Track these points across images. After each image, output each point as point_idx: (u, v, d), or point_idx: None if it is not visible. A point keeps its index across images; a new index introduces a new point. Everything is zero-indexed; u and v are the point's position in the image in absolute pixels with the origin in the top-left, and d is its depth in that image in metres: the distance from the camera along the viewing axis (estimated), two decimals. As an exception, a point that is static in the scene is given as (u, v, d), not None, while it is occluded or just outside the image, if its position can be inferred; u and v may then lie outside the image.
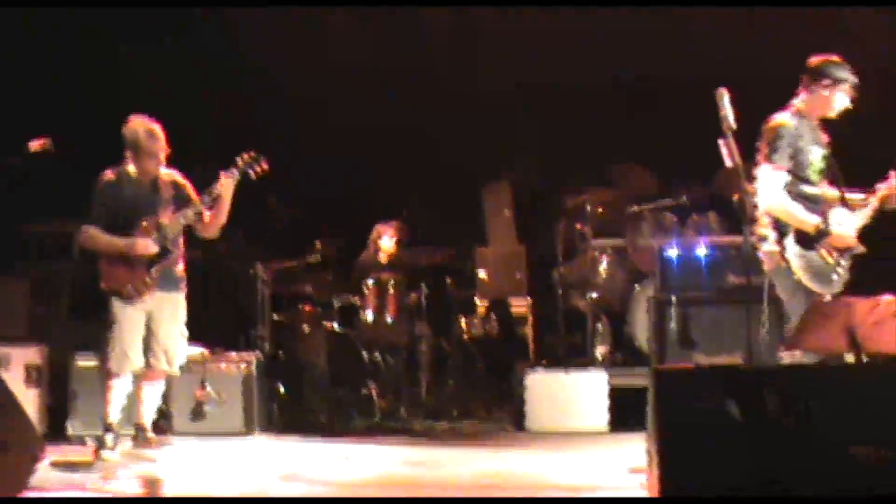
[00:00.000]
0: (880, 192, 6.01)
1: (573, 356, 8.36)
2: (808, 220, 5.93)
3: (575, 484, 5.87)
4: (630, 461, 6.02)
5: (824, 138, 6.11)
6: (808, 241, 5.93)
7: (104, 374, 6.65)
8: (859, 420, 4.42)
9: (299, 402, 8.05)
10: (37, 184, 7.95)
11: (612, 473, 6.03)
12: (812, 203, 6.00)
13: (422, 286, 8.53)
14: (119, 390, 6.64)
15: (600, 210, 8.77)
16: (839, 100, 6.05)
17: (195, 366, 7.45)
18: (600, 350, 8.24)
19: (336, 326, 8.36)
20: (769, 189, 5.96)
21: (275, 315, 8.40)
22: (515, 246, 9.87)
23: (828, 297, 5.87)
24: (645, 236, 8.54)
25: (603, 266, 8.67)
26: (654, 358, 7.75)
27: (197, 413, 7.46)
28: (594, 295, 8.49)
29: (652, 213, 8.55)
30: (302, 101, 9.32)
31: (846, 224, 5.97)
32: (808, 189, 6.02)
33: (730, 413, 4.46)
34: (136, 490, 5.83)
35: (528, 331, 8.72)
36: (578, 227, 8.75)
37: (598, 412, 7.57)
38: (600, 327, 8.29)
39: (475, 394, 8.52)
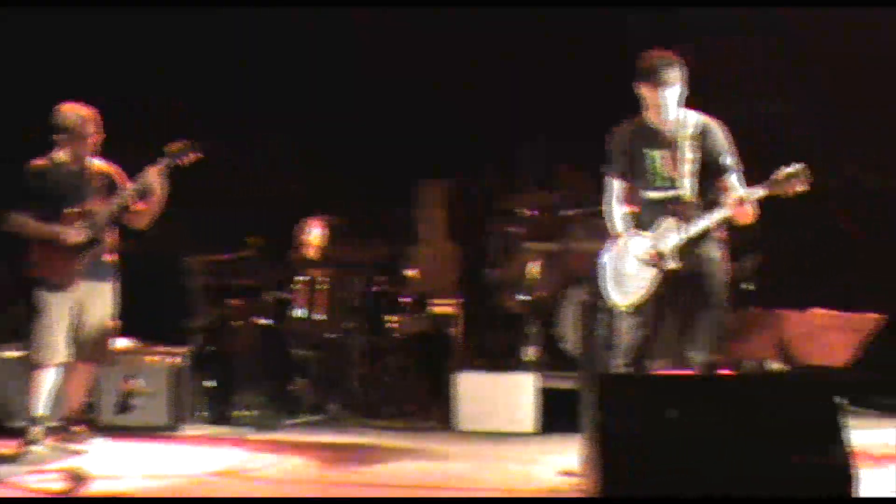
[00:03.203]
0: (726, 208, 5.82)
1: (503, 358, 8.40)
2: (617, 230, 5.96)
3: (505, 485, 5.90)
4: (560, 463, 6.07)
5: (671, 138, 5.92)
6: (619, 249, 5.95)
7: (30, 365, 6.55)
8: (792, 426, 4.53)
9: (229, 396, 7.99)
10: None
11: (542, 475, 6.07)
12: (653, 209, 5.93)
13: (353, 282, 8.50)
14: (46, 382, 6.54)
15: (534, 212, 8.81)
16: (666, 96, 5.88)
17: (124, 358, 7.37)
18: (530, 352, 8.28)
19: (266, 321, 8.32)
20: (603, 197, 5.98)
21: (206, 308, 8.34)
22: (448, 246, 9.88)
23: (622, 308, 5.85)
24: (578, 240, 8.60)
25: (535, 268, 8.71)
26: (583, 362, 7.80)
27: (125, 406, 7.38)
28: (525, 297, 8.54)
29: (586, 217, 8.61)
30: (234, 92, 9.26)
31: (666, 238, 5.86)
32: (648, 194, 5.97)
33: (669, 419, 4.54)
34: (62, 485, 5.75)
35: (459, 331, 8.72)
36: (511, 229, 8.79)
37: (526, 414, 7.61)
38: (531, 329, 8.34)
39: (405, 392, 8.49)
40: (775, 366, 5.64)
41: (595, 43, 8.93)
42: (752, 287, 8.52)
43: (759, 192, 5.71)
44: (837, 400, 4.67)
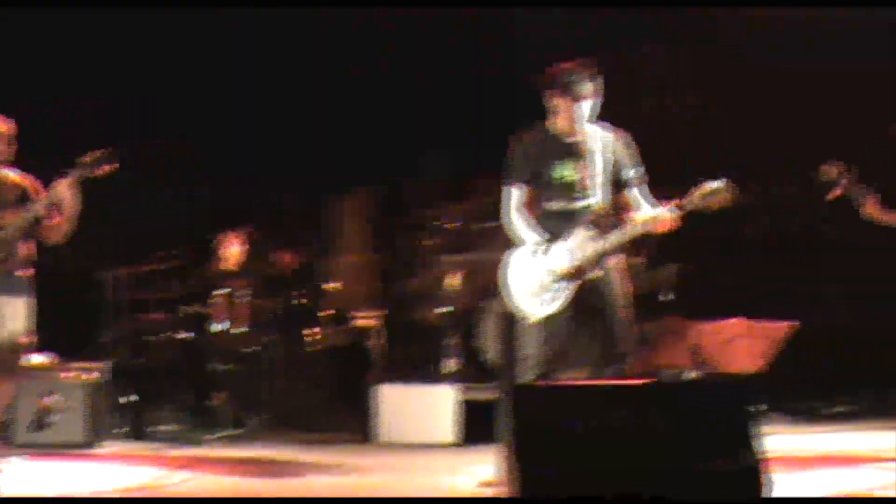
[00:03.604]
0: (638, 223, 5.84)
1: (423, 369, 8.42)
2: (526, 239, 5.98)
3: (426, 496, 5.91)
4: (480, 474, 6.09)
5: (582, 150, 5.93)
6: (529, 259, 5.96)
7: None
8: (705, 433, 4.59)
9: (147, 412, 7.93)
10: None
11: (462, 486, 6.08)
12: (558, 220, 5.93)
13: (272, 296, 8.48)
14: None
15: (453, 224, 8.84)
16: (581, 109, 5.89)
17: (40, 374, 7.28)
18: (450, 364, 8.31)
19: (185, 335, 8.26)
20: (502, 207, 6.03)
21: (122, 323, 8.26)
22: (367, 257, 9.89)
23: (534, 320, 5.85)
24: (498, 251, 8.62)
25: (454, 280, 8.74)
26: (502, 373, 7.83)
27: (41, 423, 7.28)
28: (445, 309, 8.56)
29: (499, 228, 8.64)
30: (146, 103, 9.19)
31: (584, 248, 5.86)
32: (554, 205, 5.96)
33: (583, 427, 4.58)
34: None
35: (379, 343, 8.73)
36: (430, 241, 8.82)
37: (446, 426, 7.63)
38: (450, 341, 8.36)
39: (325, 405, 8.50)
40: (691, 373, 5.73)
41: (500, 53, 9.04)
42: (671, 297, 8.65)
43: (681, 206, 5.75)
44: (752, 406, 4.74)
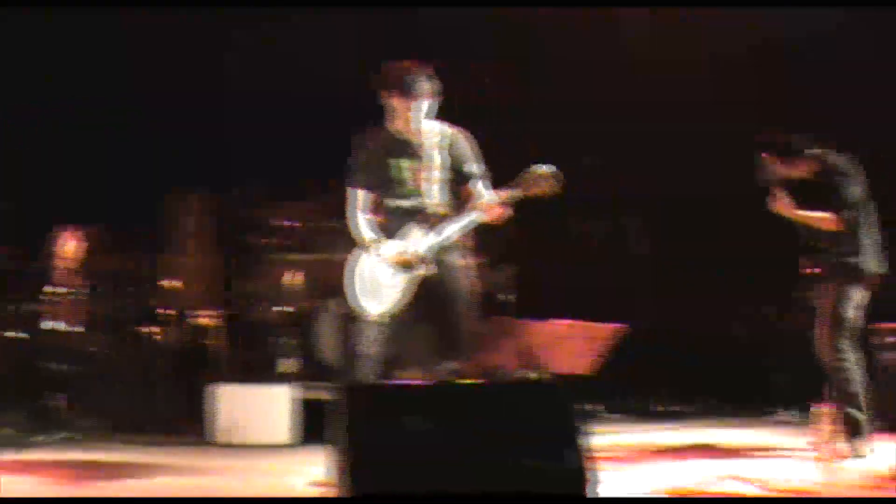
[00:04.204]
0: (475, 213, 5.96)
1: (261, 369, 8.38)
2: (367, 239, 6.05)
3: (261, 497, 5.90)
4: (313, 474, 6.10)
5: (419, 149, 6.02)
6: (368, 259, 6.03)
7: None
8: (532, 432, 4.68)
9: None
10: None
11: (295, 487, 6.08)
12: (399, 218, 6.01)
13: (110, 294, 8.35)
14: None
15: (294, 223, 8.82)
16: (418, 108, 5.98)
17: None
18: (288, 364, 8.28)
19: (18, 334, 8.08)
20: (346, 209, 6.09)
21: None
22: (207, 256, 9.77)
23: (371, 319, 5.93)
24: (338, 251, 8.63)
25: (294, 279, 8.71)
26: (339, 373, 7.84)
27: None
28: (284, 308, 8.54)
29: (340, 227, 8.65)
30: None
31: (417, 245, 5.95)
32: (395, 204, 6.05)
33: (414, 427, 4.63)
34: None
35: (217, 343, 8.66)
36: (270, 240, 8.78)
37: (283, 426, 7.62)
38: (289, 341, 8.34)
39: (163, 406, 8.40)
40: (521, 374, 5.83)
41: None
42: (511, 297, 8.77)
43: (509, 192, 5.88)
44: (580, 406, 4.84)
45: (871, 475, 5.95)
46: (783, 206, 6.92)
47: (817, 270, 7.06)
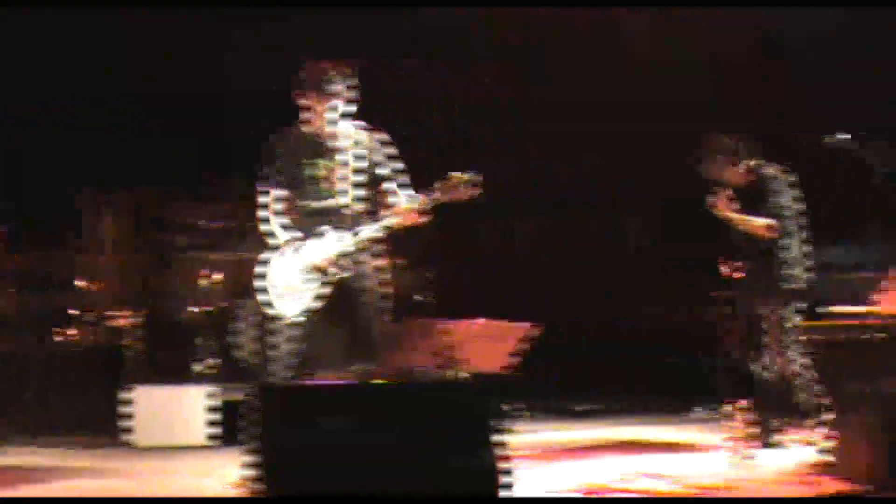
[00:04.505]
0: (392, 216, 5.96)
1: (178, 370, 8.30)
2: (279, 240, 6.02)
3: (176, 498, 5.85)
4: (228, 476, 6.06)
5: (334, 149, 5.99)
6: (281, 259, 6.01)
7: None
8: (447, 431, 4.70)
9: None
10: None
11: (211, 488, 6.04)
12: (312, 219, 5.99)
13: (24, 294, 8.24)
14: None
15: (212, 223, 8.76)
16: (334, 108, 5.94)
17: None
18: (205, 364, 8.22)
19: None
20: (258, 209, 6.07)
21: None
22: (122, 255, 9.67)
23: (286, 320, 5.92)
24: (255, 251, 8.58)
25: (211, 279, 8.64)
26: (256, 373, 7.80)
27: None
28: (201, 308, 8.47)
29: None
30: None
31: (332, 247, 5.93)
32: (309, 204, 6.02)
33: (328, 427, 4.62)
34: None
35: (134, 343, 8.56)
36: (187, 240, 8.71)
37: (201, 427, 7.56)
38: (206, 341, 8.27)
39: (77, 407, 8.29)
40: (438, 373, 5.84)
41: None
42: (429, 298, 8.78)
43: (427, 197, 5.88)
44: (497, 405, 4.86)
45: (785, 471, 6.04)
46: (722, 206, 7.08)
47: (740, 274, 7.24)
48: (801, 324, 7.05)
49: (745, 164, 7.18)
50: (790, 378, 7.10)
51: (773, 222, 7.09)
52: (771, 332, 7.10)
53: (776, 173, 7.22)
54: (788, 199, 7.17)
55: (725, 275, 7.39)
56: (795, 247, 7.17)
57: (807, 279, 7.18)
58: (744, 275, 7.26)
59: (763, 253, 7.15)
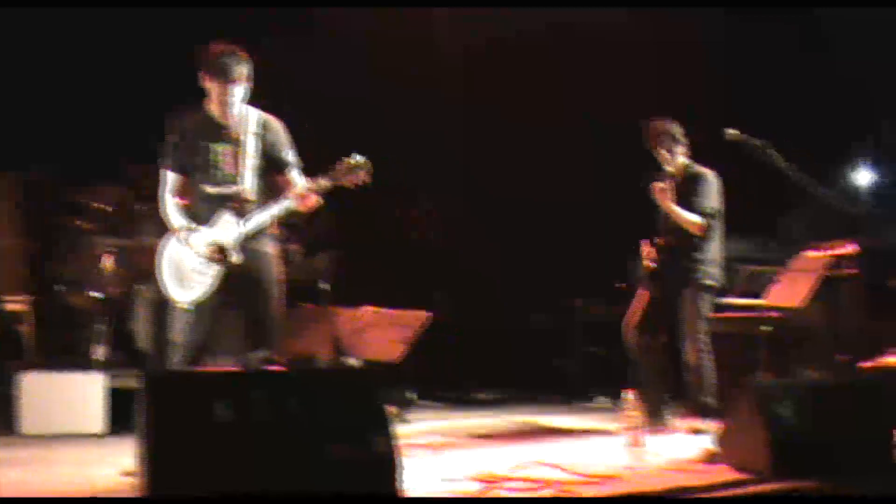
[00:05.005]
0: (288, 201, 5.92)
1: (72, 356, 8.17)
2: (175, 225, 5.97)
3: (62, 489, 5.73)
4: (124, 464, 5.97)
5: (234, 134, 5.93)
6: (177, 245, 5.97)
7: None
8: (339, 420, 4.69)
9: None
10: None
11: (103, 477, 5.93)
12: (210, 204, 5.93)
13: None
14: None
15: (107, 207, 8.62)
16: (233, 92, 5.86)
17: None
18: (100, 350, 8.09)
19: None
20: (158, 191, 6.00)
21: None
22: (17, 240, 9.47)
23: (181, 306, 5.88)
24: (151, 236, 8.48)
25: (106, 264, 8.51)
26: (153, 360, 7.72)
27: None
28: (96, 294, 8.34)
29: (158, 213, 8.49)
30: None
31: (226, 232, 5.89)
32: (208, 189, 5.95)
33: (219, 415, 4.57)
34: None
35: (26, 329, 8.39)
36: (81, 223, 8.56)
37: (94, 415, 7.44)
38: (101, 327, 8.15)
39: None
40: (332, 361, 5.82)
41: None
42: (326, 286, 8.74)
43: (321, 181, 5.86)
44: (392, 392, 4.86)
45: (680, 459, 6.11)
46: (663, 194, 7.22)
47: (653, 264, 7.37)
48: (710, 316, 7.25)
49: (681, 160, 7.35)
50: (693, 368, 7.22)
51: (703, 220, 7.33)
52: (685, 322, 7.26)
53: (707, 173, 7.41)
54: (718, 200, 7.41)
55: (644, 261, 7.53)
56: (716, 247, 7.44)
57: (721, 278, 7.48)
58: (657, 265, 7.44)
59: (681, 246, 7.33)
